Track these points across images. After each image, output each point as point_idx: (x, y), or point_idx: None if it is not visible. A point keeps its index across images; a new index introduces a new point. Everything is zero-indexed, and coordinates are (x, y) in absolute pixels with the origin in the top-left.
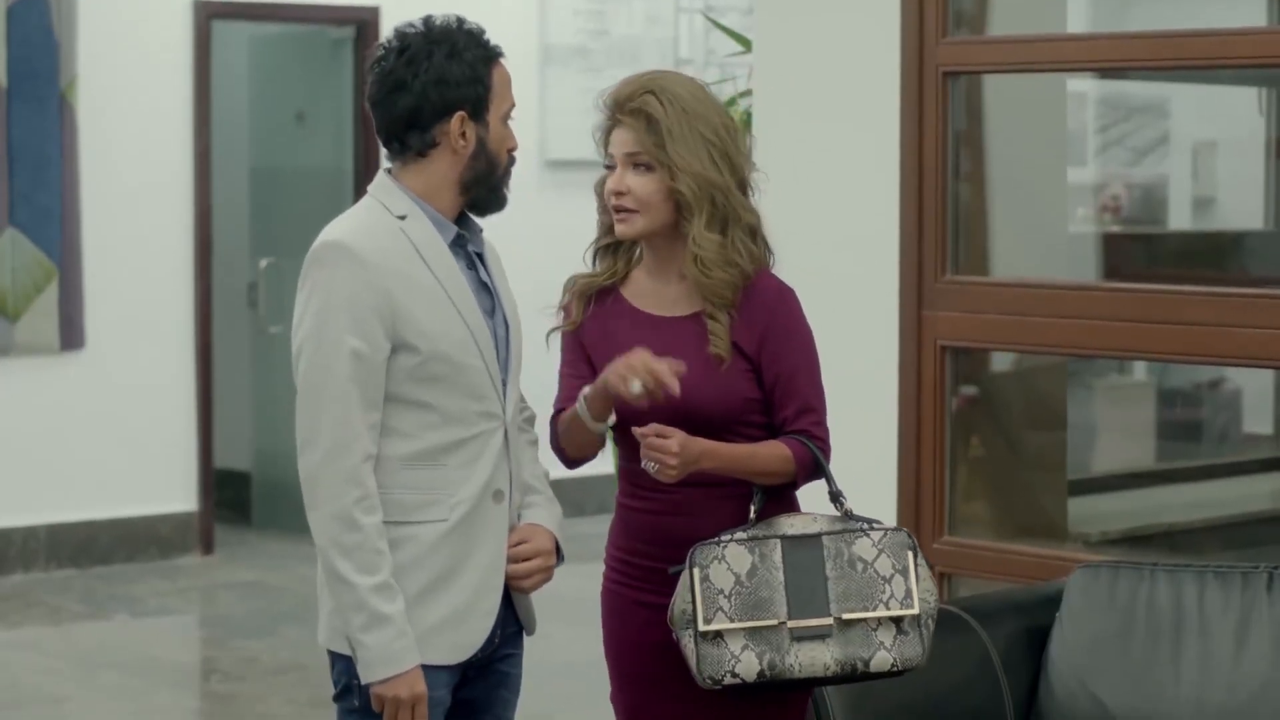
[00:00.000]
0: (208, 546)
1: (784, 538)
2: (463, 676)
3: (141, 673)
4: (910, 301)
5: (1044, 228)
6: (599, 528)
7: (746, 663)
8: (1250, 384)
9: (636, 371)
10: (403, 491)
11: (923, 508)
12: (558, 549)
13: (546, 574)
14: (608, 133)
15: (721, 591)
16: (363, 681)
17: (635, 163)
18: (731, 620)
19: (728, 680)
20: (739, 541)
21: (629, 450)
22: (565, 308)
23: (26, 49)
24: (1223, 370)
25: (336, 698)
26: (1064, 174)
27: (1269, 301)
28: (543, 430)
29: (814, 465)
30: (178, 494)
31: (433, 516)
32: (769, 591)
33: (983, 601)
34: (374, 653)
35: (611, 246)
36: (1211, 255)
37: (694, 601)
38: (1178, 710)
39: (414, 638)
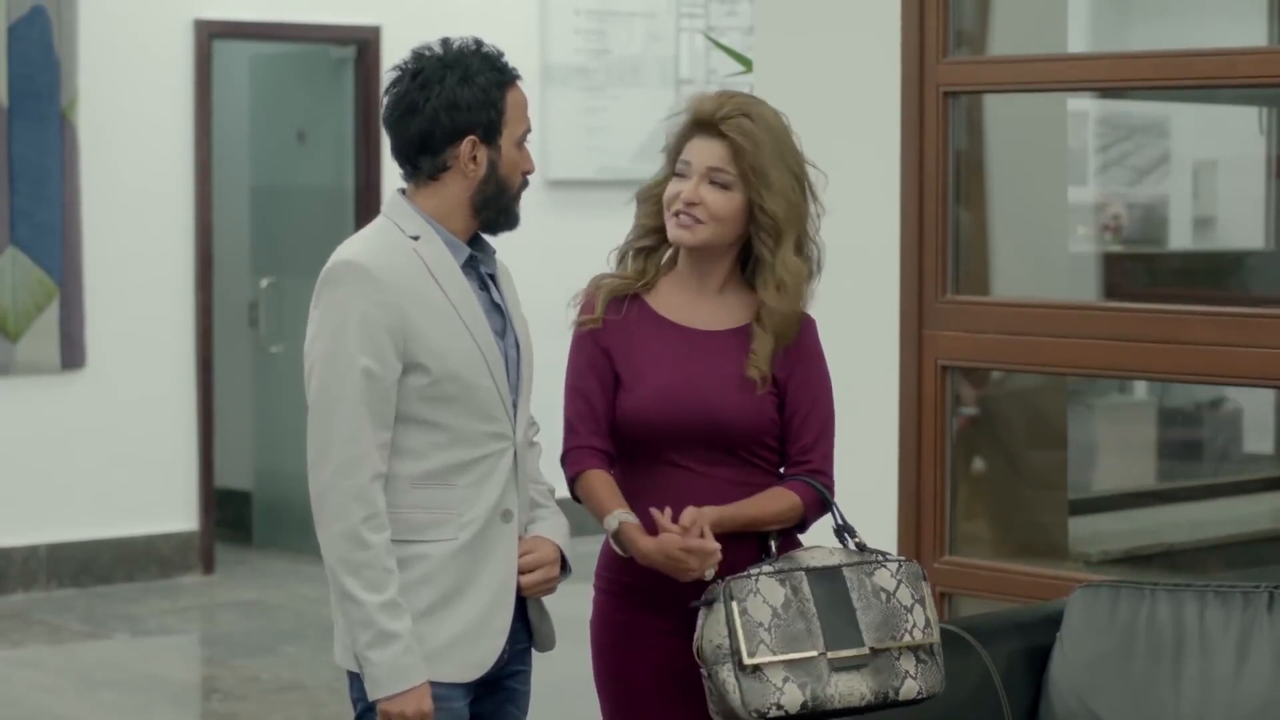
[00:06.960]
0: (208, 565)
1: (808, 570)
2: (474, 693)
3: (142, 692)
4: (911, 321)
5: (1045, 247)
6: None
7: (790, 694)
8: (1251, 403)
9: (694, 557)
10: (413, 511)
11: (923, 527)
12: (564, 561)
13: (549, 585)
14: (685, 139)
15: (761, 624)
16: (370, 698)
17: (714, 179)
18: (774, 653)
19: (773, 713)
20: (768, 575)
21: (635, 481)
22: (588, 304)
23: (27, 68)
24: (1223, 390)
25: (357, 719)
26: (1064, 193)
27: (1269, 321)
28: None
29: (821, 505)
30: (178, 513)
31: (443, 536)
32: (804, 623)
33: (983, 621)
34: (381, 669)
35: (645, 250)
36: (1212, 275)
37: (733, 635)
38: None
39: (422, 655)
